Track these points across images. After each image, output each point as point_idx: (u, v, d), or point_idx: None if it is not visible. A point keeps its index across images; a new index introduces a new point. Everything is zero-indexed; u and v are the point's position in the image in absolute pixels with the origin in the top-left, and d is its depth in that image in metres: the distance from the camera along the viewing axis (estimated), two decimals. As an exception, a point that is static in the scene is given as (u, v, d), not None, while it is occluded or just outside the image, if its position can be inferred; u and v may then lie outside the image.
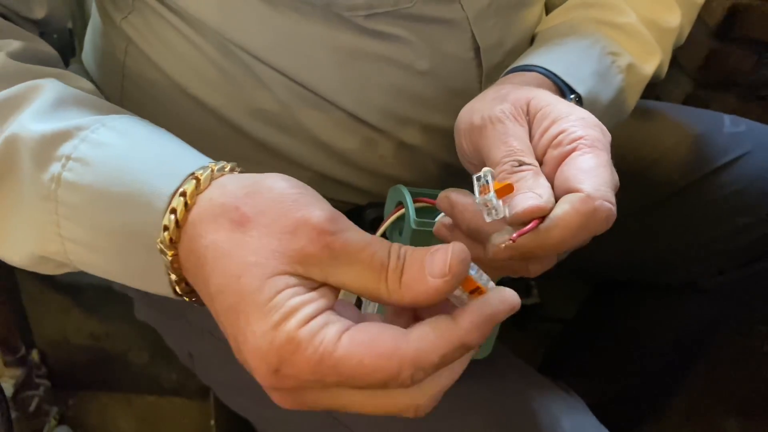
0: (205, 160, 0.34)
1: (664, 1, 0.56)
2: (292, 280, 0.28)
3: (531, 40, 0.55)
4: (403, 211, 0.42)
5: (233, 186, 0.31)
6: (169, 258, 0.31)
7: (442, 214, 0.38)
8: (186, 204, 0.31)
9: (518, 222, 0.33)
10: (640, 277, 0.74)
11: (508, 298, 0.28)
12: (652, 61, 0.53)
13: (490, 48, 0.50)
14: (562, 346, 0.90)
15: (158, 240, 0.31)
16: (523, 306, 0.31)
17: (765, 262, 0.66)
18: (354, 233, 0.29)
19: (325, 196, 0.31)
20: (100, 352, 1.01)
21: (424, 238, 0.40)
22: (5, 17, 0.42)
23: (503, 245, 0.32)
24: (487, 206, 0.32)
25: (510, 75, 0.46)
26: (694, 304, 0.72)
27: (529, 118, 0.38)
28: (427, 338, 0.27)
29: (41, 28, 0.46)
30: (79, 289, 1.00)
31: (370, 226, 0.50)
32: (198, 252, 0.30)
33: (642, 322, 0.77)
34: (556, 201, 0.33)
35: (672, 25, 0.55)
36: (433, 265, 0.28)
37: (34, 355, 0.96)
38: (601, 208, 0.32)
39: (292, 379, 0.27)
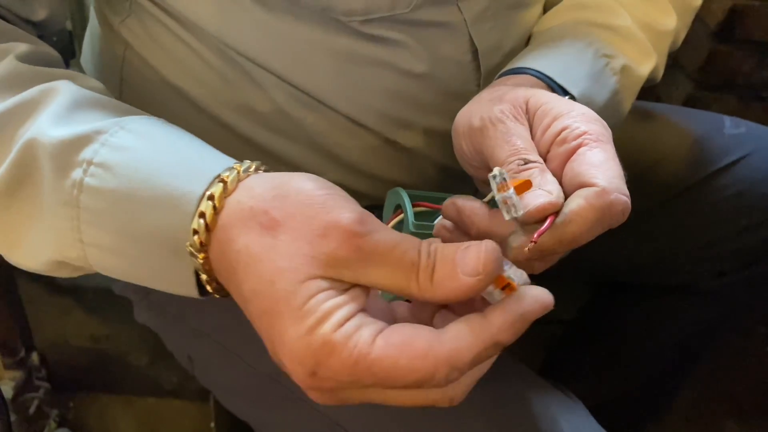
0: (230, 161, 0.34)
1: (659, 5, 0.56)
2: (325, 283, 0.28)
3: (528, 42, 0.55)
4: (402, 216, 0.42)
5: (261, 188, 0.31)
6: (200, 261, 0.32)
7: (441, 216, 0.38)
8: (214, 207, 0.31)
9: (532, 220, 0.32)
10: (641, 279, 0.74)
11: (541, 297, 0.29)
12: (647, 63, 0.53)
13: (488, 51, 0.50)
14: (563, 348, 0.90)
15: (188, 243, 0.31)
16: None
17: (765, 264, 0.66)
18: (383, 233, 0.29)
19: None
20: (100, 354, 1.01)
21: None
22: (4, 19, 0.42)
23: (527, 248, 0.32)
24: (506, 204, 0.32)
25: (503, 77, 0.46)
26: (695, 305, 0.72)
27: (529, 116, 0.38)
28: (461, 338, 0.27)
29: (40, 31, 0.46)
30: (79, 291, 1.00)
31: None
32: (229, 256, 0.30)
33: (642, 323, 0.77)
34: (566, 197, 0.33)
35: (667, 28, 0.55)
36: (466, 264, 0.28)
37: (34, 357, 0.95)
38: (617, 201, 0.32)
39: (329, 380, 0.28)
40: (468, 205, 0.36)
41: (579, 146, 0.35)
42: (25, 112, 0.36)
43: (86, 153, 0.34)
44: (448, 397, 0.29)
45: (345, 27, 0.45)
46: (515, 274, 0.29)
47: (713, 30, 1.00)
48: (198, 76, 0.49)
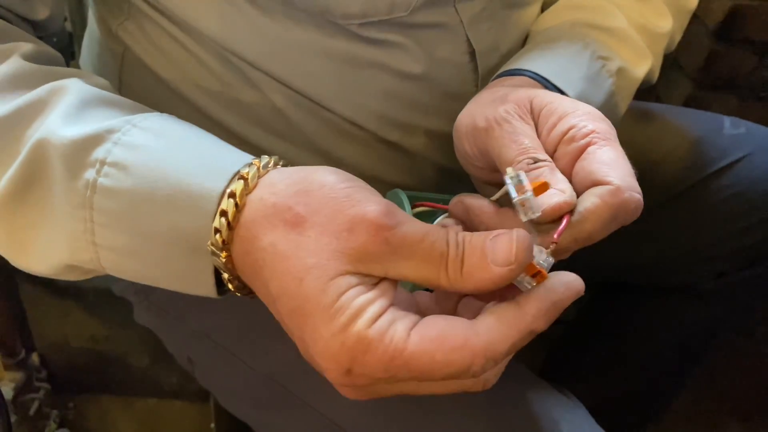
0: (248, 157, 0.33)
1: (655, 7, 0.56)
2: (354, 279, 0.28)
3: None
4: None
5: (283, 184, 0.31)
6: (223, 260, 0.31)
7: (441, 216, 0.38)
8: (236, 205, 0.30)
9: (546, 220, 0.32)
10: (641, 280, 0.74)
11: (574, 283, 0.29)
12: (642, 65, 0.53)
13: (485, 51, 0.50)
14: (563, 348, 0.90)
15: (209, 243, 0.31)
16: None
17: (765, 265, 0.66)
18: (410, 225, 0.29)
19: None
20: (101, 355, 1.01)
21: None
22: (4, 20, 0.41)
23: (549, 248, 0.32)
24: (523, 205, 0.32)
25: (500, 79, 0.46)
26: (695, 306, 0.72)
27: (534, 116, 0.38)
28: (496, 329, 0.27)
29: (39, 31, 0.45)
30: (79, 293, 1.00)
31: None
32: (254, 254, 0.30)
33: (642, 324, 0.77)
34: (577, 195, 0.33)
35: (663, 30, 0.55)
36: (496, 253, 0.28)
37: (34, 358, 0.96)
38: (631, 198, 0.32)
39: (364, 377, 0.28)
40: (476, 203, 0.35)
41: (588, 145, 0.35)
42: (33, 112, 0.35)
43: (99, 152, 0.33)
44: (482, 382, 0.29)
45: (343, 30, 0.45)
46: (544, 261, 0.30)
47: (713, 30, 0.99)
48: (196, 79, 0.49)
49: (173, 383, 1.00)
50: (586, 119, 0.36)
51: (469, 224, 0.37)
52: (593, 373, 0.83)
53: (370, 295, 0.28)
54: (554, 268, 0.37)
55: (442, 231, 0.29)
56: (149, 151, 0.33)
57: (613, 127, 0.36)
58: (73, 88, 0.36)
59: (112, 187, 0.32)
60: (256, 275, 0.30)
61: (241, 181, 0.31)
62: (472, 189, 0.44)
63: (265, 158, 0.32)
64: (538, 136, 0.37)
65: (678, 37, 0.60)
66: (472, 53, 0.50)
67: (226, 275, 0.32)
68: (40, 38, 0.44)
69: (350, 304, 0.27)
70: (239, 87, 0.48)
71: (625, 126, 0.53)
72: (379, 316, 0.27)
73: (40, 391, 0.94)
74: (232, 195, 0.30)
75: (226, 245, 0.31)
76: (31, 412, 0.91)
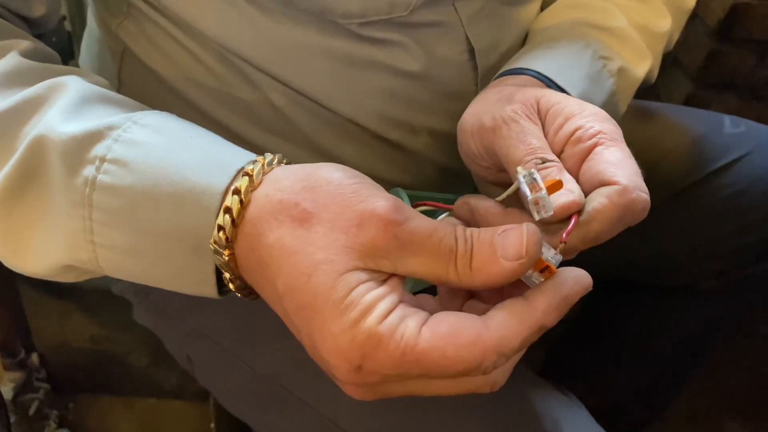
0: (251, 155, 0.33)
1: (653, 6, 0.56)
2: (364, 275, 0.28)
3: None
4: None
5: (288, 181, 0.30)
6: (225, 258, 0.31)
7: (442, 216, 0.38)
8: (241, 202, 0.30)
9: (555, 219, 0.32)
10: (641, 279, 0.74)
11: (582, 278, 0.29)
12: (642, 65, 0.53)
13: (484, 50, 0.50)
14: (563, 348, 0.90)
15: (211, 240, 0.31)
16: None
17: (765, 264, 0.66)
18: (419, 220, 0.29)
19: None
20: (100, 355, 1.01)
21: None
22: (0, 17, 0.41)
23: (559, 248, 0.32)
24: (537, 204, 0.32)
25: (502, 78, 0.46)
26: (695, 305, 0.72)
27: (541, 116, 0.38)
28: (507, 325, 0.27)
29: (35, 30, 0.45)
30: (79, 293, 1.00)
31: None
32: (260, 251, 0.30)
33: (643, 324, 0.77)
34: (585, 196, 0.33)
35: (662, 29, 0.56)
36: (506, 248, 0.28)
37: (34, 358, 0.96)
38: (639, 198, 0.32)
39: (374, 374, 0.27)
40: (482, 204, 0.35)
41: (595, 145, 0.35)
42: (31, 108, 0.35)
43: (98, 149, 0.32)
44: (491, 382, 0.29)
45: (342, 29, 0.45)
46: (552, 256, 0.29)
47: (713, 29, 1.00)
48: (196, 79, 0.49)
49: (173, 383, 1.00)
50: (592, 120, 0.36)
51: (474, 225, 0.36)
52: (593, 373, 0.83)
53: (381, 290, 0.28)
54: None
55: (451, 227, 0.29)
56: (150, 148, 0.33)
57: (619, 127, 0.37)
58: (72, 85, 0.36)
59: (112, 184, 0.32)
60: (261, 273, 0.30)
61: (246, 178, 0.30)
62: (473, 188, 0.44)
63: (269, 156, 0.32)
64: (545, 136, 0.37)
65: (676, 37, 0.60)
66: (472, 52, 0.50)
67: (227, 275, 0.32)
68: (38, 37, 0.44)
69: (361, 299, 0.27)
70: (239, 86, 0.48)
71: (625, 125, 0.53)
72: (390, 312, 0.27)
73: (39, 391, 0.94)
74: (236, 192, 0.30)
75: (229, 243, 0.30)
76: (31, 412, 0.91)
